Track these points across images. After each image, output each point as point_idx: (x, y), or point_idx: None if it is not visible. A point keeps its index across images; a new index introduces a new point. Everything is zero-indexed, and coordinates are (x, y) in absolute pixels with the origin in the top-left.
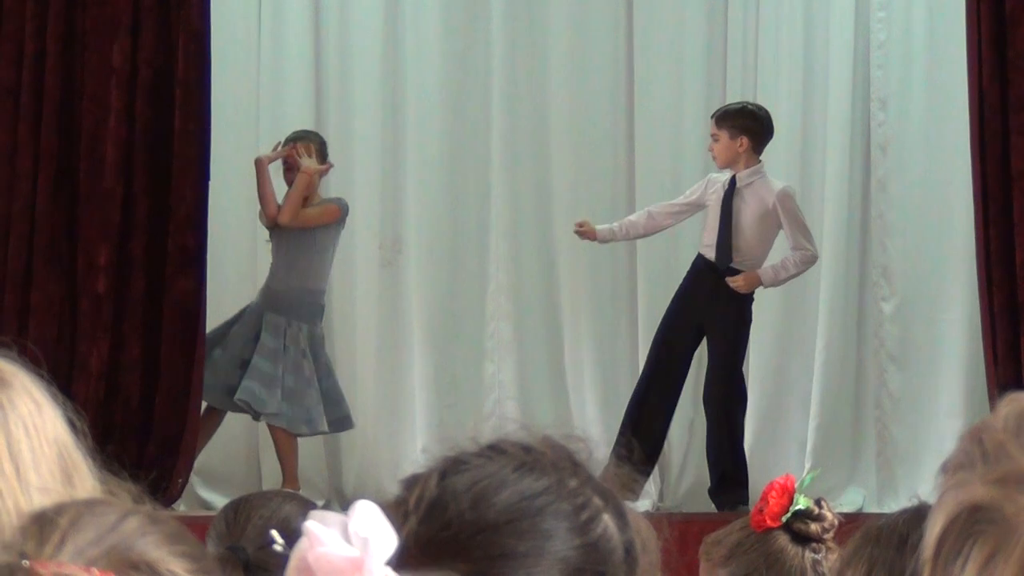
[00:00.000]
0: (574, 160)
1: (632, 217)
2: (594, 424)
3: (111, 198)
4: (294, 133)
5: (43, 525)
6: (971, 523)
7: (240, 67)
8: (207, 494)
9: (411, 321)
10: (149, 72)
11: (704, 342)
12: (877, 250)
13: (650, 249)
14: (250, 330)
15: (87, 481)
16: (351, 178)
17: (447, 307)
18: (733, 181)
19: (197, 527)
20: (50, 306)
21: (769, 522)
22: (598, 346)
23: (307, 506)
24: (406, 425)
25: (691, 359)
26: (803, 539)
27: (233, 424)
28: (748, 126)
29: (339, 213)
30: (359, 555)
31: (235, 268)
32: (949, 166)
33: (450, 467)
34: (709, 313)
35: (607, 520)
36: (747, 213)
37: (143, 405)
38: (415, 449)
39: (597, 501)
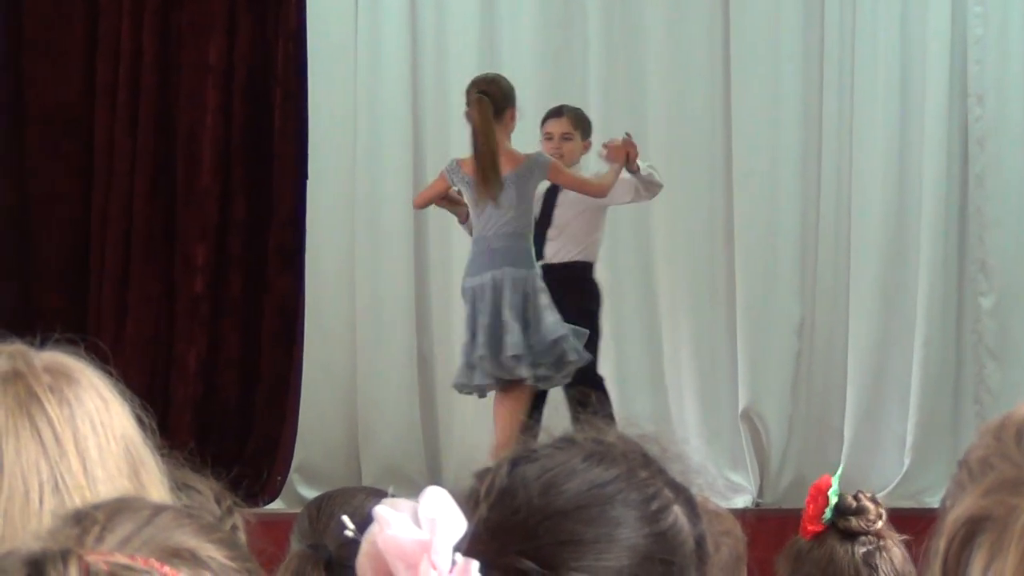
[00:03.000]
0: (671, 160)
1: None
2: (692, 421)
3: (208, 197)
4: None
5: (81, 520)
6: (972, 532)
7: (337, 66)
8: (306, 491)
9: None
10: (245, 71)
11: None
12: (975, 245)
13: (748, 245)
14: None
15: (154, 476)
16: None
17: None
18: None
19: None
20: (148, 305)
21: (810, 526)
22: (696, 343)
23: None
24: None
25: None
26: (850, 535)
27: (332, 420)
28: (590, 130)
29: None
30: (427, 538)
31: (333, 267)
32: None
33: (521, 457)
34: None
35: (677, 511)
36: (570, 208)
37: (241, 404)
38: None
39: (668, 493)
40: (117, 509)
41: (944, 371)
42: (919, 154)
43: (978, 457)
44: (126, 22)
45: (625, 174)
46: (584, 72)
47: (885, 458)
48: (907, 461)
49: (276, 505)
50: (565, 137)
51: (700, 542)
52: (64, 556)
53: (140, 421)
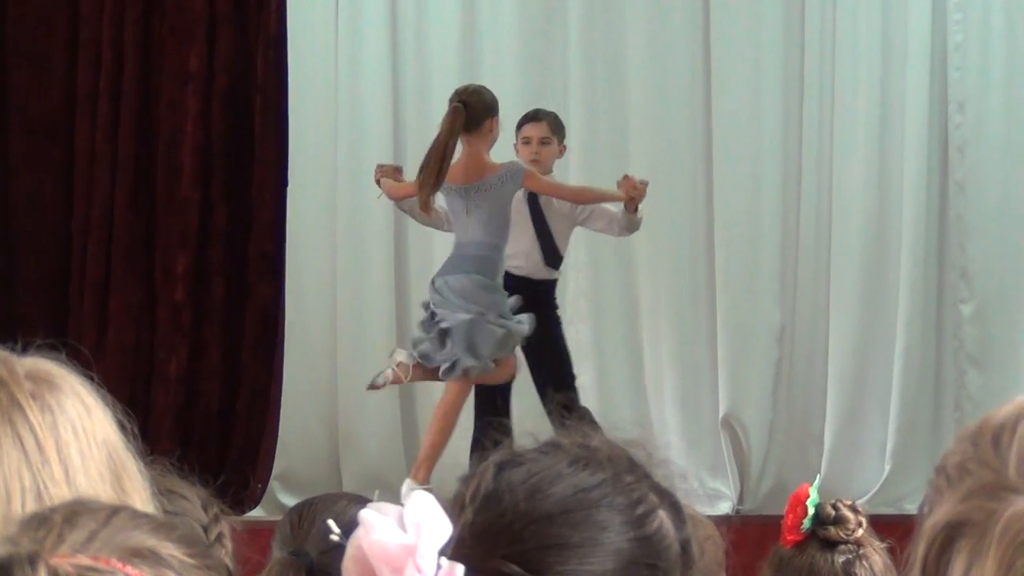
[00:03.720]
0: (652, 161)
1: None
2: (673, 428)
3: (189, 205)
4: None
5: (40, 523)
6: (951, 537)
7: (317, 73)
8: (287, 499)
9: None
10: (226, 78)
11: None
12: (956, 252)
13: (728, 252)
14: None
15: (136, 483)
16: None
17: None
18: None
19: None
20: (129, 313)
21: (790, 536)
22: (678, 349)
23: None
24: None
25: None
26: (830, 544)
27: (313, 428)
28: (564, 132)
29: None
30: (413, 542)
31: (314, 274)
32: None
33: (506, 461)
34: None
35: (663, 516)
36: (555, 216)
37: (222, 412)
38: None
39: (653, 497)
40: (74, 511)
41: (924, 378)
42: (899, 161)
43: (955, 463)
44: (107, 30)
45: (612, 207)
46: (565, 79)
47: (865, 464)
48: (887, 467)
49: (256, 513)
50: (543, 141)
51: (685, 547)
52: (31, 560)
53: (123, 427)
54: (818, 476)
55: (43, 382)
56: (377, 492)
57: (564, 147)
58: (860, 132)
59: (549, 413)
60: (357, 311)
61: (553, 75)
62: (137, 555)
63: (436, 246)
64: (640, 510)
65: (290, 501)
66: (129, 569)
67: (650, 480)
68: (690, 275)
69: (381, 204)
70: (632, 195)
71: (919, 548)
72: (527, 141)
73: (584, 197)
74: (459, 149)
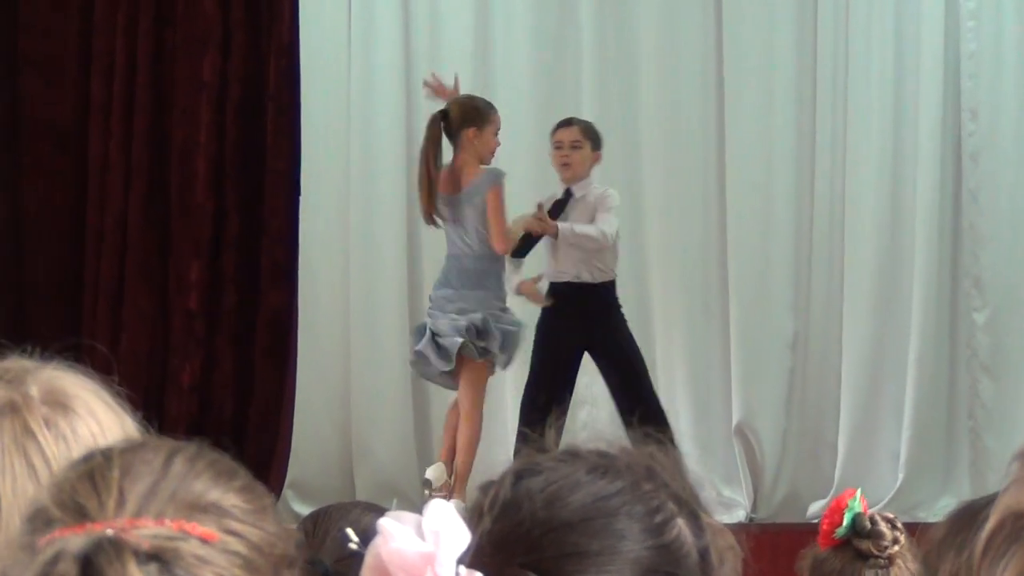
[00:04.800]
0: (664, 169)
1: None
2: (686, 436)
3: (202, 213)
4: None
5: (95, 480)
6: (1018, 527)
7: (330, 81)
8: (300, 507)
9: None
10: (239, 86)
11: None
12: (969, 260)
13: (741, 260)
14: None
15: None
16: None
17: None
18: (569, 193)
19: None
20: (142, 321)
21: (823, 542)
22: (691, 358)
23: None
24: (497, 438)
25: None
26: (862, 556)
27: (326, 437)
28: (601, 143)
29: None
30: (431, 550)
31: (327, 282)
32: None
33: (525, 470)
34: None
35: (681, 524)
36: (579, 218)
37: (235, 420)
38: (507, 460)
39: (672, 506)
40: (129, 462)
41: (938, 386)
42: (913, 169)
43: None
44: (120, 39)
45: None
46: (577, 87)
47: (879, 473)
48: (901, 476)
49: None
50: (574, 145)
51: (704, 555)
52: (114, 547)
53: (145, 430)
54: (860, 488)
55: (58, 406)
56: (395, 501)
57: (599, 155)
58: (873, 140)
59: (624, 418)
60: (370, 319)
61: (565, 83)
62: (200, 509)
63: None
64: (658, 518)
65: (303, 510)
66: (197, 529)
67: (668, 488)
68: (703, 283)
69: (393, 209)
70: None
71: (989, 524)
72: (558, 145)
73: (503, 243)
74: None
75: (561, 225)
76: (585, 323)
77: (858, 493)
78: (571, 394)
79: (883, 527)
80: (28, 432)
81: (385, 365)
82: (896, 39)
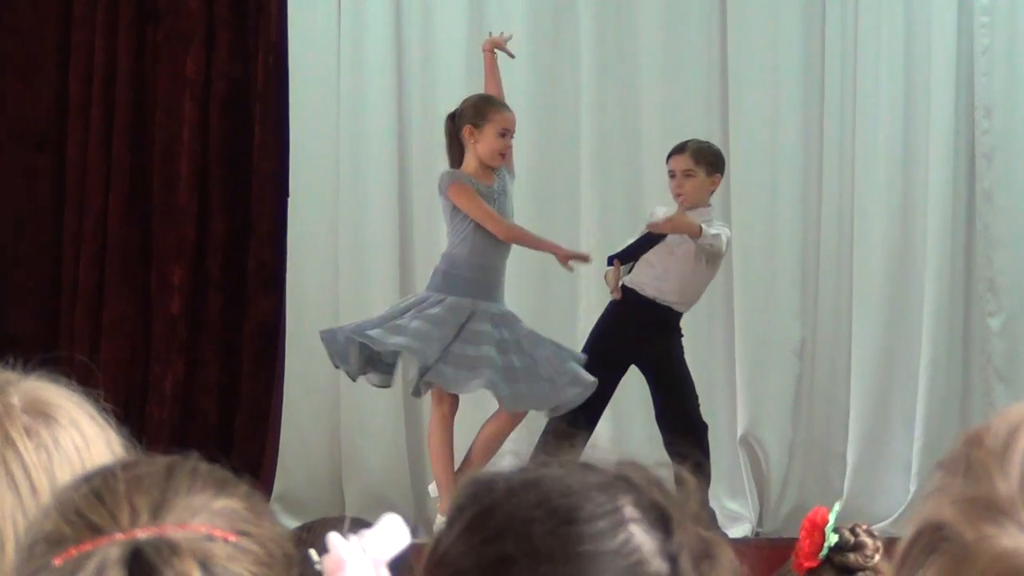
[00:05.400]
0: (667, 174)
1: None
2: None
3: (186, 215)
4: None
5: (103, 497)
6: (935, 539)
7: (319, 79)
8: (288, 520)
9: None
10: (224, 84)
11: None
12: (983, 263)
13: (746, 263)
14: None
15: None
16: (435, 192)
17: (536, 327)
18: None
19: None
20: (123, 327)
21: (806, 563)
22: (693, 365)
23: None
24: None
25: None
26: (848, 571)
27: (315, 447)
28: (720, 165)
29: None
30: (366, 562)
31: (316, 286)
32: None
33: (482, 496)
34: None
35: (636, 531)
36: (685, 256)
37: (220, 429)
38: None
39: (629, 512)
40: (133, 478)
41: (951, 394)
42: (924, 169)
43: (981, 456)
44: (100, 35)
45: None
46: (576, 86)
47: (890, 484)
48: (912, 488)
49: None
50: (687, 174)
51: (673, 561)
52: (167, 546)
53: (131, 444)
54: (838, 502)
55: (39, 415)
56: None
57: (718, 178)
58: (883, 139)
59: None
60: None
61: (564, 83)
62: (212, 514)
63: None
64: (601, 525)
65: (291, 523)
66: (219, 531)
67: (636, 496)
68: (707, 289)
69: (385, 211)
70: (576, 257)
71: (906, 537)
72: (671, 175)
73: (508, 235)
74: None
75: (704, 226)
76: (643, 337)
77: (835, 508)
78: (606, 402)
79: (865, 537)
80: (8, 441)
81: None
82: (907, 34)
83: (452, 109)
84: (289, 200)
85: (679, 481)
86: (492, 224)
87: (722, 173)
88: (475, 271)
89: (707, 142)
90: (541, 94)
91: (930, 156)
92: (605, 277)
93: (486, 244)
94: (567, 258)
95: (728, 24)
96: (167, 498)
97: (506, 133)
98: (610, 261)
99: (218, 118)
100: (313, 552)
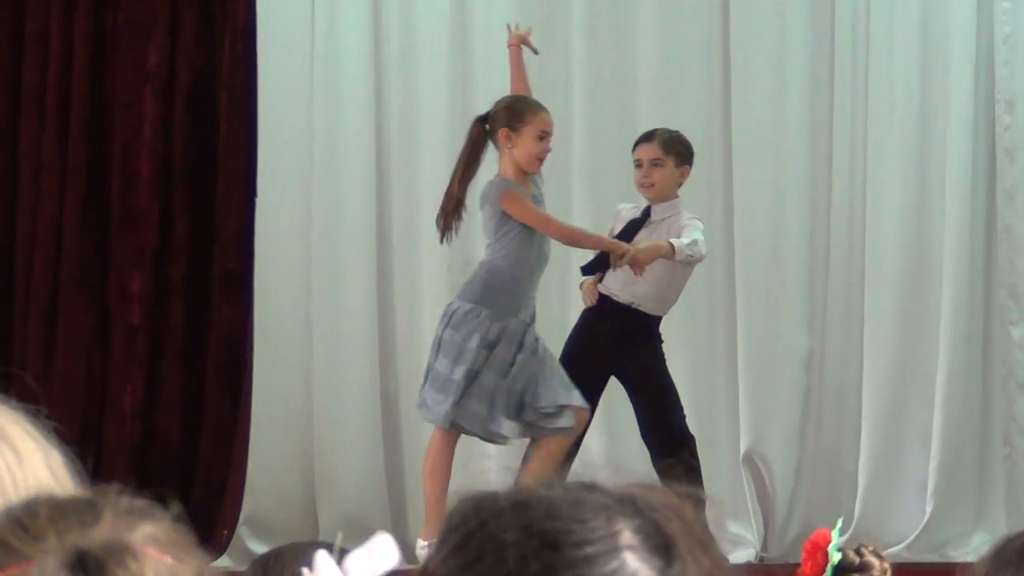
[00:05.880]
0: None
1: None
2: None
3: (146, 218)
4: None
5: (25, 525)
6: None
7: (291, 70)
8: (257, 546)
9: None
10: (189, 76)
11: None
12: (1004, 268)
13: (750, 269)
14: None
15: None
16: (415, 193)
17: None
18: (647, 212)
19: None
20: (79, 339)
21: None
22: (693, 378)
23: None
24: (480, 467)
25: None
26: None
27: (286, 467)
28: (689, 157)
29: None
30: None
31: (286, 295)
32: None
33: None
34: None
35: (629, 559)
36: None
37: (184, 448)
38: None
39: (625, 539)
40: (56, 508)
41: (970, 409)
42: (941, 167)
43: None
44: (55, 23)
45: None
46: (567, 76)
47: (904, 506)
48: (929, 509)
49: (223, 562)
50: (654, 163)
51: None
52: (124, 549)
53: (76, 463)
54: (839, 519)
55: None
56: (340, 534)
57: (687, 170)
58: (897, 135)
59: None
60: (335, 337)
61: (554, 72)
62: (141, 539)
63: (423, 263)
64: (589, 550)
65: (260, 548)
66: (151, 551)
67: (639, 520)
68: (707, 295)
69: (361, 213)
70: (632, 256)
71: None
72: (638, 164)
73: (568, 237)
74: None
75: (675, 242)
76: (620, 346)
77: (837, 528)
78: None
79: (871, 558)
80: None
81: (351, 387)
82: (922, 22)
83: (474, 110)
84: (257, 200)
85: (698, 504)
86: (551, 228)
87: (691, 165)
88: (515, 283)
89: (676, 131)
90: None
91: (947, 153)
92: (581, 287)
93: (528, 256)
94: (622, 256)
95: (731, 11)
96: (93, 529)
97: (545, 136)
98: (584, 271)
99: (181, 112)
100: (305, 571)
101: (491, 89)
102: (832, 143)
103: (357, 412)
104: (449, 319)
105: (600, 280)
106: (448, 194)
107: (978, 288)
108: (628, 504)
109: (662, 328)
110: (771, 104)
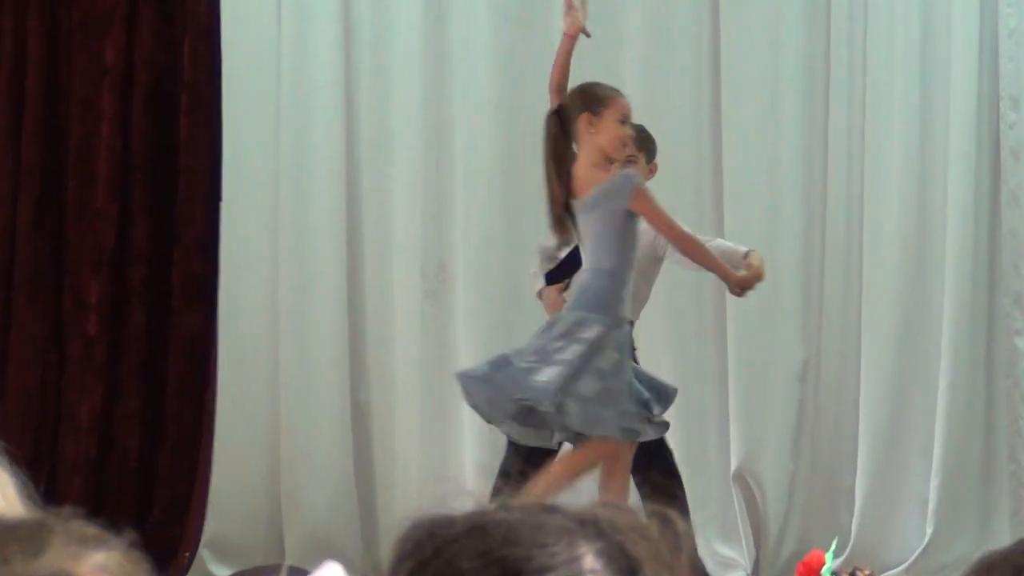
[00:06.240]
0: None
1: None
2: None
3: (104, 219)
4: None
5: None
6: None
7: (256, 67)
8: (219, 570)
9: (460, 360)
10: (148, 73)
11: None
12: (1009, 274)
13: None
14: None
15: None
16: (389, 195)
17: (502, 343)
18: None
19: None
20: (32, 348)
21: None
22: (681, 390)
23: None
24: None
25: None
26: None
27: (251, 484)
28: (655, 152)
29: None
30: None
31: (252, 301)
32: None
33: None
34: None
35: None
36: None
37: (143, 463)
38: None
39: (588, 563)
40: (7, 532)
41: (973, 422)
42: (943, 168)
43: None
44: (7, 18)
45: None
46: (545, 69)
47: (904, 525)
48: (930, 529)
49: None
50: (629, 160)
51: None
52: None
53: (28, 486)
54: (835, 540)
55: None
56: (287, 564)
57: (655, 166)
58: (896, 134)
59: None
60: (303, 344)
61: (535, 69)
62: (90, 567)
63: (395, 267)
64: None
65: (223, 572)
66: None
67: (602, 543)
68: (696, 303)
69: (330, 216)
70: (748, 284)
71: None
72: None
73: (686, 247)
74: None
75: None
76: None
77: (831, 550)
78: None
79: None
80: None
81: (321, 400)
82: (923, 15)
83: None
84: (222, 203)
85: (665, 523)
86: (677, 233)
87: (656, 161)
88: (624, 289)
89: (641, 125)
90: (507, 78)
91: (949, 153)
92: (540, 295)
93: (631, 259)
94: (740, 285)
95: (720, 7)
96: (40, 553)
97: (625, 120)
98: (548, 279)
99: (141, 111)
100: None
101: (467, 83)
102: (827, 144)
103: (327, 427)
104: (580, 335)
105: (565, 288)
106: (552, 200)
107: (981, 295)
108: (590, 526)
109: (644, 335)
110: (763, 102)
